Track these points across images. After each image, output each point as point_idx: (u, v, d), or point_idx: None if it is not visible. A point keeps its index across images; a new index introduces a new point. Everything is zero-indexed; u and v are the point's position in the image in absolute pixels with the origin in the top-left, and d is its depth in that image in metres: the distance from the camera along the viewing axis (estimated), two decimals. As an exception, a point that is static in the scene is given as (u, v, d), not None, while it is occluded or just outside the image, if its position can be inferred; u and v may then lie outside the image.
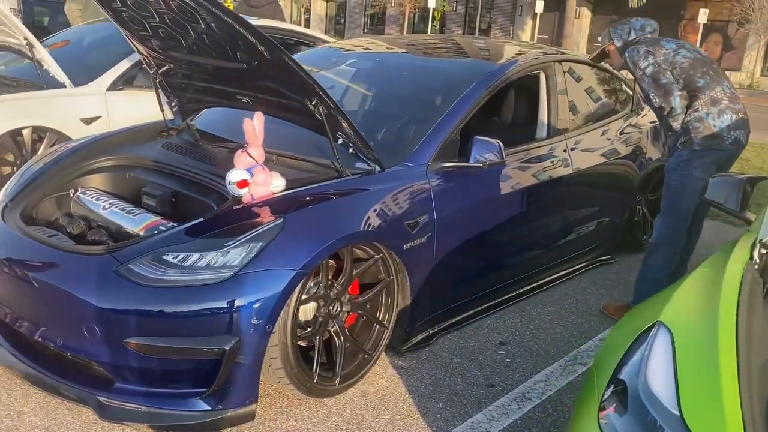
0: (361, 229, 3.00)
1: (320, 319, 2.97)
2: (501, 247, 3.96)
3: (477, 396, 3.15)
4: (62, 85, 5.10)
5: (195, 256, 2.67)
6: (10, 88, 5.19)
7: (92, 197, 3.43)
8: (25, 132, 4.99)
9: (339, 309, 3.03)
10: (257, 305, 2.64)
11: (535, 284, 4.30)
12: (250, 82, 3.22)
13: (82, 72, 5.31)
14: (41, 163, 3.59)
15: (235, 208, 2.95)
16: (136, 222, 3.17)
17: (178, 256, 2.68)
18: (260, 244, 2.70)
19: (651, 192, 5.15)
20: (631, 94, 5.12)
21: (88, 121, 5.14)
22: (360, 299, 3.11)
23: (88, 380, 2.75)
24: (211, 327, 2.62)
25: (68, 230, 3.22)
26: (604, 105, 4.99)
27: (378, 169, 3.29)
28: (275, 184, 3.06)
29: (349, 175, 3.21)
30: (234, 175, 3.01)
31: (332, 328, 3.03)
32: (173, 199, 3.35)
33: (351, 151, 3.29)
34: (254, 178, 3.00)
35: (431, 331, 3.57)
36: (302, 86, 2.98)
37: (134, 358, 2.64)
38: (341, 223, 2.95)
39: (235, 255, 2.67)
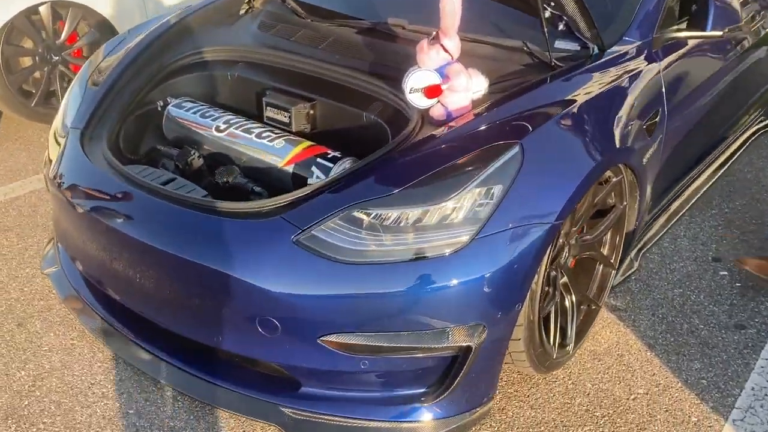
0: (617, 145, 2.14)
1: (553, 274, 2.18)
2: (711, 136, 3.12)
3: (734, 345, 2.45)
4: (82, -55, 3.94)
5: (403, 212, 1.82)
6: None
7: (191, 111, 2.50)
8: (41, 9, 3.91)
9: (566, 255, 2.24)
10: (505, 278, 1.84)
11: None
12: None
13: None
14: (101, 69, 2.61)
15: (429, 130, 2.06)
16: (277, 151, 2.27)
17: (379, 214, 1.83)
18: (498, 187, 1.85)
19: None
20: None
21: (119, -12, 4.05)
22: (589, 237, 2.30)
23: (264, 383, 2.01)
24: (446, 314, 1.83)
25: (179, 165, 2.33)
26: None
27: (596, 50, 2.36)
28: (476, 87, 2.14)
29: (559, 65, 2.29)
30: (419, 79, 2.08)
31: (561, 280, 2.26)
32: (311, 112, 2.43)
33: (561, 26, 2.34)
34: (452, 81, 2.08)
35: (633, 253, 2.80)
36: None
37: (334, 359, 1.87)
38: (593, 142, 2.08)
39: (466, 207, 1.82)
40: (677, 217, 3.05)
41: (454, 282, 1.78)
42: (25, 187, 3.41)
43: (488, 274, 1.80)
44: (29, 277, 2.71)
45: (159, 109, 2.57)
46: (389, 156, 1.97)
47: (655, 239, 2.90)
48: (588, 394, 2.23)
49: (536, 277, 1.92)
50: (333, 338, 1.83)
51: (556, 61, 2.29)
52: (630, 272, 2.70)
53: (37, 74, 4.06)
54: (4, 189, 3.39)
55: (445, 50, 2.08)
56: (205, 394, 2.05)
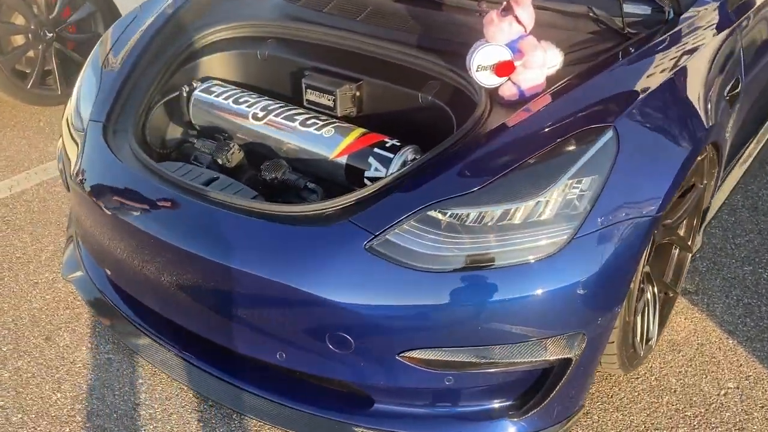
0: (709, 123, 1.93)
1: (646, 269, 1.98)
2: None
3: (819, 330, 2.30)
4: None
5: (486, 211, 1.61)
6: None
7: (222, 96, 2.25)
8: (33, -18, 3.61)
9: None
10: (606, 279, 1.64)
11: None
12: None
13: None
14: (116, 51, 2.34)
15: (501, 113, 1.84)
16: (326, 141, 2.04)
17: (458, 213, 1.62)
18: (594, 178, 1.64)
19: None
20: None
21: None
22: (670, 221, 2.11)
23: (333, 401, 1.82)
24: (542, 324, 1.63)
25: (217, 160, 2.10)
26: None
27: (671, 14, 2.13)
28: (551, 62, 1.92)
29: (632, 32, 2.07)
30: (488, 55, 1.85)
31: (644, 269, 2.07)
32: (357, 94, 2.19)
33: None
34: (527, 57, 1.85)
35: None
36: None
37: (415, 376, 1.68)
38: (686, 120, 1.87)
39: (559, 203, 1.61)
40: (734, 186, 2.87)
41: (551, 288, 1.59)
42: (31, 179, 3.16)
43: (589, 277, 1.60)
44: (50, 283, 2.49)
45: (184, 94, 2.32)
46: (462, 145, 1.75)
47: (716, 212, 2.72)
48: (675, 392, 2.06)
49: (635, 274, 1.74)
50: (415, 354, 1.64)
51: (628, 29, 2.07)
52: (695, 250, 2.53)
53: (31, 53, 3.76)
54: (8, 182, 3.14)
55: (519, 22, 1.85)
56: (266, 414, 1.86)
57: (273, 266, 1.67)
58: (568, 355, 1.65)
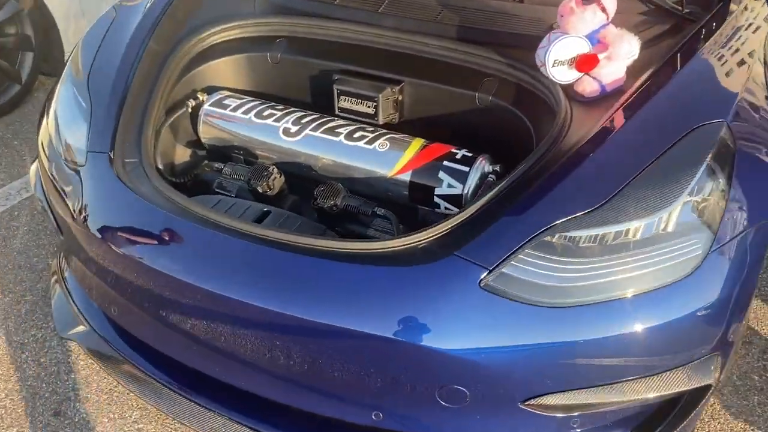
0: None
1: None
2: None
3: None
4: None
5: (609, 231, 1.41)
6: None
7: (239, 110, 1.94)
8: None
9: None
10: (740, 291, 1.48)
11: None
12: None
13: None
14: (99, 64, 1.98)
15: (587, 113, 1.64)
16: (382, 156, 1.78)
17: (578, 236, 1.41)
18: (719, 183, 1.47)
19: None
20: None
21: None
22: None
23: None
24: (678, 351, 1.45)
25: (256, 188, 1.79)
26: None
27: (727, -9, 1.99)
28: (633, 51, 1.73)
29: (689, 10, 1.91)
30: (566, 48, 1.65)
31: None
32: (399, 98, 1.93)
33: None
34: (613, 48, 1.65)
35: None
36: None
37: (540, 424, 1.48)
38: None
39: (685, 214, 1.44)
40: None
41: (690, 309, 1.41)
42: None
43: (726, 292, 1.44)
44: (40, 342, 2.11)
45: (189, 110, 1.99)
46: (560, 155, 1.54)
47: None
48: (762, 390, 1.97)
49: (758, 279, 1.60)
50: (541, 401, 1.44)
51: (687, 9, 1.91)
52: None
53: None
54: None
55: (603, 9, 1.65)
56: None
57: (365, 316, 1.41)
58: (708, 382, 1.50)
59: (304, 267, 1.45)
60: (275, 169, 1.80)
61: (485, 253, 1.40)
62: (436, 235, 1.46)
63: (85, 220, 1.70)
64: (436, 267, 1.41)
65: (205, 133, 1.98)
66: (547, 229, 1.40)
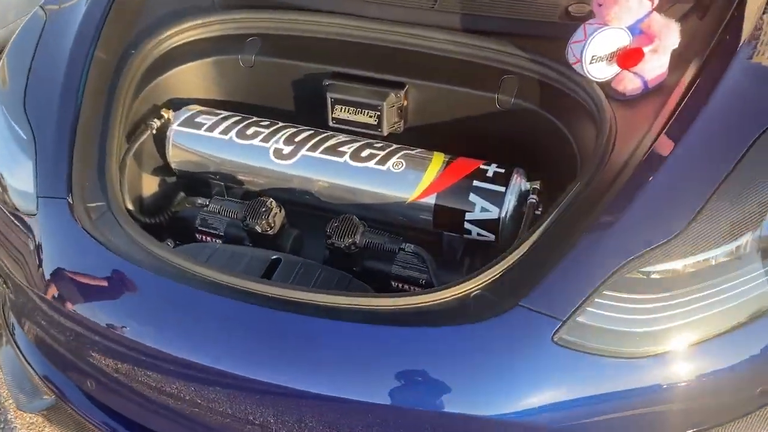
0: None
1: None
2: None
3: None
4: None
5: (699, 260, 1.21)
6: None
7: (215, 129, 1.63)
8: None
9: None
10: None
11: None
12: None
13: None
14: (37, 91, 1.62)
15: (633, 115, 1.42)
16: (399, 178, 1.51)
17: (663, 269, 1.20)
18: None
19: None
20: None
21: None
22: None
23: None
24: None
25: (252, 226, 1.50)
26: None
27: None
28: (677, 41, 1.51)
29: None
30: (606, 41, 1.42)
31: None
32: (404, 104, 1.66)
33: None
34: (662, 41, 1.43)
35: None
36: None
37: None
38: None
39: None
40: None
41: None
42: None
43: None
44: (-8, 415, 1.78)
45: (153, 132, 1.67)
46: (615, 168, 1.32)
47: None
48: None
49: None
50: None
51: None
52: None
53: None
54: None
55: (648, -4, 1.43)
56: None
57: (416, 391, 1.17)
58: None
59: (343, 335, 1.19)
60: (273, 203, 1.51)
61: (555, 299, 1.18)
62: (488, 279, 1.23)
63: (46, 283, 1.38)
64: (497, 323, 1.18)
65: (176, 158, 1.67)
66: (624, 264, 1.19)
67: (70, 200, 1.41)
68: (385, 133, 1.64)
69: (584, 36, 1.45)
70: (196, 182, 1.70)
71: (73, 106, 1.55)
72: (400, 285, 1.46)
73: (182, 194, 1.65)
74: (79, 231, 1.37)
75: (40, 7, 1.83)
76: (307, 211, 1.59)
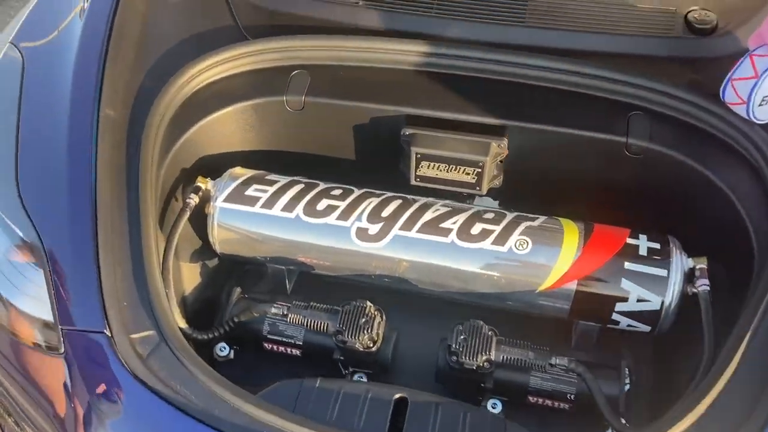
0: None
1: None
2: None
3: None
4: None
5: None
6: None
7: (274, 203, 1.27)
8: None
9: None
10: None
11: None
12: None
13: None
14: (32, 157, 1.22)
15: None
16: (525, 261, 1.19)
17: None
18: None
19: None
20: None
21: None
22: None
23: None
24: None
25: (352, 345, 1.15)
26: None
27: None
28: None
29: None
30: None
31: None
32: (505, 154, 1.32)
33: None
34: None
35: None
36: None
37: None
38: None
39: None
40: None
41: None
42: None
43: None
44: None
45: (188, 210, 1.29)
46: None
47: None
48: None
49: None
50: None
51: None
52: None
53: None
54: None
55: None
56: None
57: None
58: None
59: None
60: (372, 308, 1.17)
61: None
62: (697, 421, 0.94)
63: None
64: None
65: (223, 242, 1.29)
66: None
67: (107, 332, 1.05)
68: (484, 192, 1.32)
69: (754, 72, 1.15)
70: (246, 267, 1.35)
71: (86, 188, 1.16)
72: (541, 400, 1.17)
73: (238, 290, 1.29)
74: (128, 379, 1.01)
75: (12, 44, 1.39)
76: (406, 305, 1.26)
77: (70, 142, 1.21)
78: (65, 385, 1.08)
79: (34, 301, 1.11)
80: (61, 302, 1.08)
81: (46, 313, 1.09)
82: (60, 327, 1.07)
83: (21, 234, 1.14)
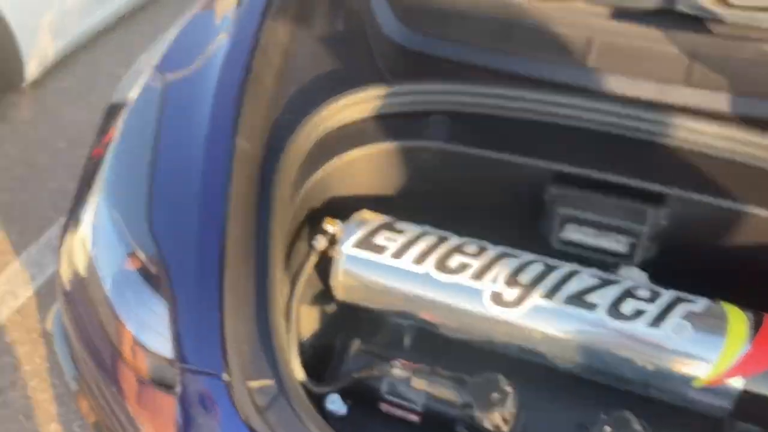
0: None
1: None
2: None
3: None
4: None
5: None
6: None
7: (405, 253, 1.19)
8: None
9: None
10: None
11: None
12: None
13: None
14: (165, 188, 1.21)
15: None
16: (687, 352, 1.04)
17: None
18: None
19: None
20: None
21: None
22: None
23: None
24: None
25: (481, 421, 1.05)
26: None
27: None
28: None
29: None
30: None
31: None
32: (663, 225, 1.21)
33: None
34: None
35: None
36: None
37: None
38: None
39: None
40: None
41: None
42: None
43: None
44: None
45: (315, 254, 1.23)
46: None
47: None
48: None
49: None
50: None
51: None
52: None
53: None
54: None
55: None
56: None
57: None
58: None
59: None
60: (505, 383, 1.07)
61: None
62: None
63: None
64: None
65: (346, 290, 1.22)
66: None
67: (226, 377, 0.99)
68: (636, 264, 1.19)
69: None
70: (362, 317, 1.27)
71: (216, 222, 1.12)
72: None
73: (357, 342, 1.22)
74: (243, 430, 0.95)
75: (157, 70, 1.40)
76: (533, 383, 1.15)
77: (204, 173, 1.18)
78: (177, 423, 1.03)
79: (155, 334, 1.07)
80: (185, 340, 1.04)
81: (166, 349, 1.05)
82: (179, 361, 1.02)
83: (148, 264, 1.12)
